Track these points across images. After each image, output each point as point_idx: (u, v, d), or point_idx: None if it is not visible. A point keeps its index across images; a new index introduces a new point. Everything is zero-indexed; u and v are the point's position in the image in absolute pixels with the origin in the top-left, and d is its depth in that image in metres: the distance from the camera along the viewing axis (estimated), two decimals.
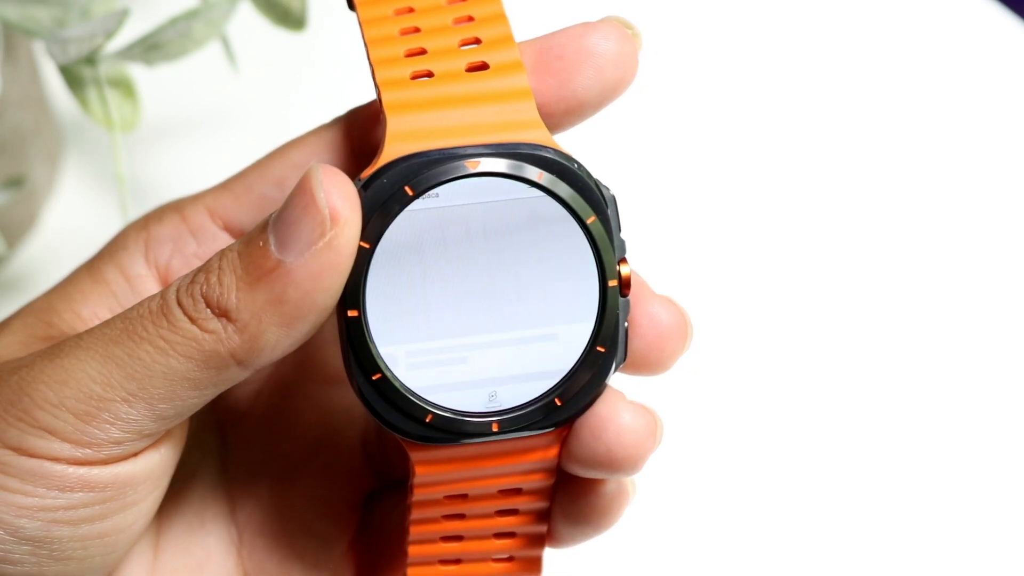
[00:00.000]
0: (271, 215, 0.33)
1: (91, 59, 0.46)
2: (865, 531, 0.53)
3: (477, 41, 0.35)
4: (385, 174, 0.33)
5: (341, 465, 0.41)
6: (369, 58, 0.35)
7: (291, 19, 0.50)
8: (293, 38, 0.51)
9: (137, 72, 0.49)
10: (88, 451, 0.33)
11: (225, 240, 0.38)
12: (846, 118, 0.62)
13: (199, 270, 0.33)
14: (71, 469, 0.33)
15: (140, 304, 0.34)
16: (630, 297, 0.35)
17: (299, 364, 0.41)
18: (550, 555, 0.40)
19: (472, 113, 0.34)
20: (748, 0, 0.66)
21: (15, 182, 0.53)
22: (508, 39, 0.35)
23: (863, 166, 0.61)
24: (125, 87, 0.48)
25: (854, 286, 0.58)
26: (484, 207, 0.34)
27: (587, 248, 0.34)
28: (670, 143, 0.62)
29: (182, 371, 0.33)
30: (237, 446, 0.41)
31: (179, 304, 0.33)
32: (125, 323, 0.33)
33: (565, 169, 0.34)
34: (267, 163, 0.38)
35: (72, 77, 0.47)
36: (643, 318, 0.35)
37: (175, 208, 0.39)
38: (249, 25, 0.54)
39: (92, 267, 0.38)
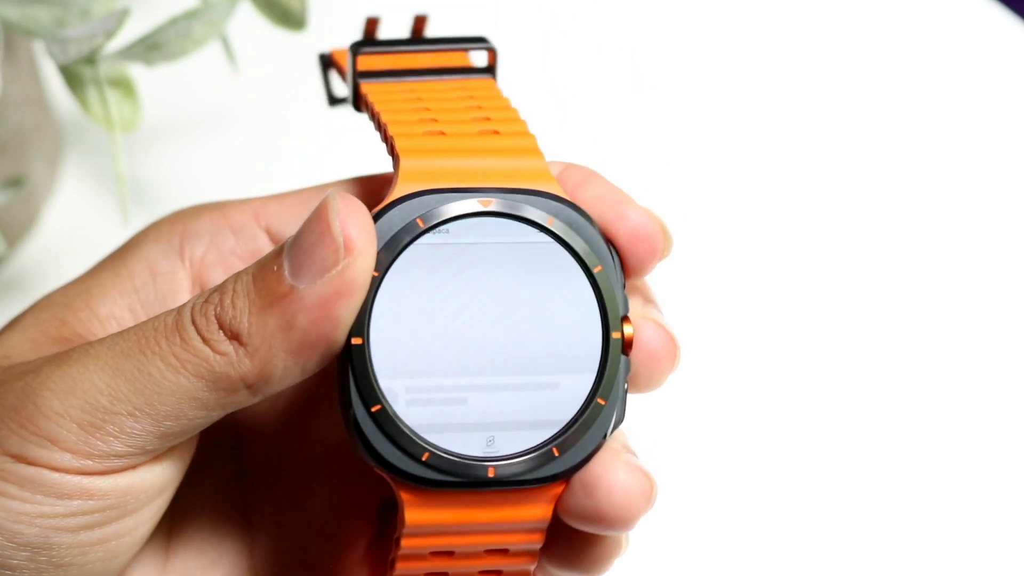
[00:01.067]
0: (287, 240, 0.33)
1: (91, 59, 0.46)
2: (864, 551, 0.52)
3: (487, 120, 0.35)
4: (398, 205, 0.33)
5: (357, 472, 0.40)
6: (381, 125, 0.35)
7: (291, 19, 0.50)
8: (293, 38, 0.51)
9: (137, 72, 0.49)
10: (89, 462, 0.33)
11: (265, 241, 0.38)
12: (846, 120, 0.62)
13: (214, 290, 0.33)
14: (70, 478, 0.33)
15: (155, 318, 0.34)
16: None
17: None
18: None
19: (484, 162, 0.34)
20: (747, 1, 0.66)
21: (15, 182, 0.52)
22: (518, 120, 0.36)
23: (863, 168, 0.61)
24: (125, 87, 0.48)
25: (852, 293, 0.58)
26: (493, 247, 0.34)
27: (592, 298, 0.34)
28: (666, 151, 0.62)
29: (191, 390, 0.33)
30: (253, 451, 0.40)
31: (193, 323, 0.33)
32: (138, 336, 0.33)
33: (575, 219, 0.34)
34: (326, 188, 0.38)
35: (72, 77, 0.47)
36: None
37: (214, 207, 0.39)
38: (249, 25, 0.54)
39: (117, 260, 0.38)
